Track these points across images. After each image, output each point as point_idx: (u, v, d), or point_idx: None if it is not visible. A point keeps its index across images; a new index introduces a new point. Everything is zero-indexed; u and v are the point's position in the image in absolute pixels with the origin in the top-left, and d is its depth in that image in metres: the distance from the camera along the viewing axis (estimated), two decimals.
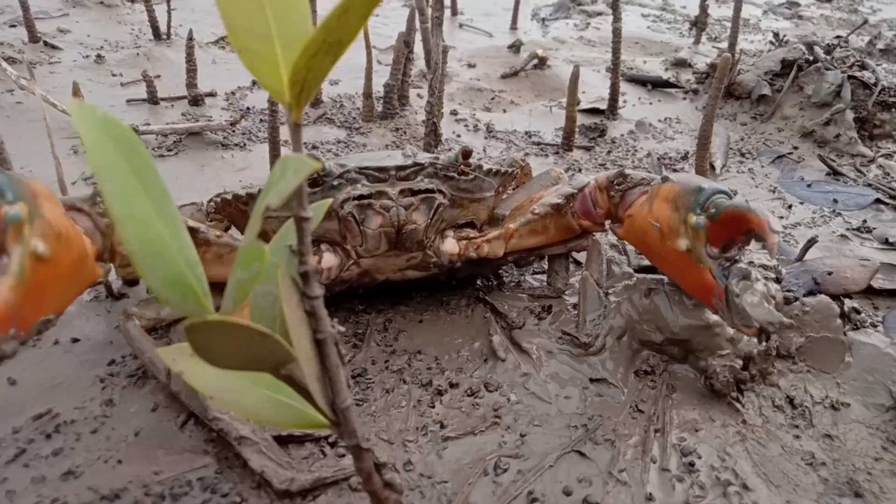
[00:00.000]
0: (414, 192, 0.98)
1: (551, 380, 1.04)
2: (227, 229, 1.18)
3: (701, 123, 1.35)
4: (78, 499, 0.80)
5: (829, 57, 2.27)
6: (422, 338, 1.12)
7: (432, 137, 1.59)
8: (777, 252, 0.88)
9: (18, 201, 0.72)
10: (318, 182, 0.96)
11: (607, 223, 1.16)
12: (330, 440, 0.91)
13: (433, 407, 0.98)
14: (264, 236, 1.07)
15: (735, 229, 0.91)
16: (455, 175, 1.00)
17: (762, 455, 0.93)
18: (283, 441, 0.89)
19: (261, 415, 0.69)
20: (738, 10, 2.24)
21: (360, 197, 0.97)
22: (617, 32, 1.99)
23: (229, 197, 1.03)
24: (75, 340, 1.05)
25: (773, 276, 1.13)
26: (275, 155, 1.39)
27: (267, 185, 0.58)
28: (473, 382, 1.03)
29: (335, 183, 0.96)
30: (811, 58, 2.27)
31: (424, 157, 1.01)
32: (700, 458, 0.92)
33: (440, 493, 0.85)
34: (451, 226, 1.09)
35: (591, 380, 1.04)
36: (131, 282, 1.13)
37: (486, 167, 1.04)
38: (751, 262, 1.13)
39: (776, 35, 2.62)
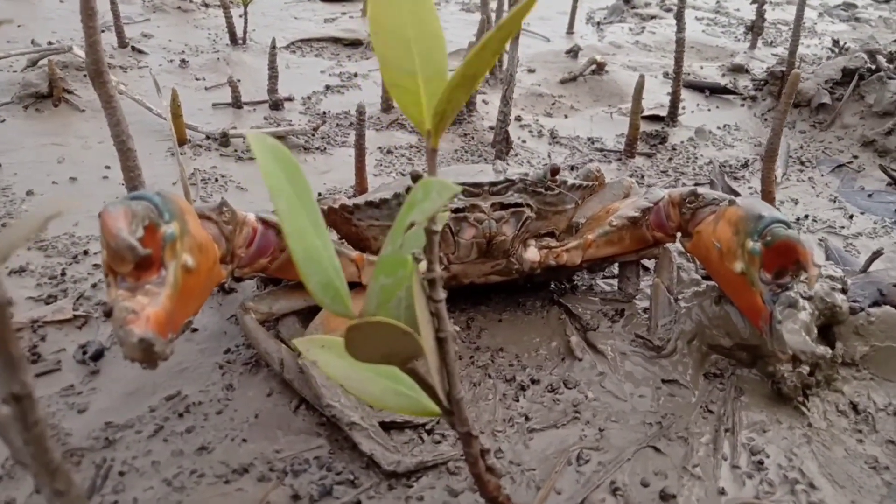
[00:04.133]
0: (504, 206, 1.07)
1: (626, 379, 1.12)
2: None
3: (768, 137, 1.40)
4: (213, 471, 0.91)
5: (891, 66, 2.28)
6: (502, 336, 1.21)
7: (503, 145, 1.68)
8: (815, 283, 0.95)
9: (173, 220, 0.82)
10: None
11: (678, 235, 1.23)
12: (427, 427, 1.00)
13: (517, 401, 1.07)
14: (365, 242, 1.18)
15: (787, 258, 0.97)
16: (542, 190, 1.08)
17: (827, 457, 0.99)
18: (386, 427, 0.99)
19: (383, 401, 0.79)
20: (799, 18, 2.26)
21: (456, 210, 1.06)
22: (680, 42, 2.04)
23: (336, 206, 1.13)
24: (194, 330, 1.17)
25: (839, 286, 1.18)
26: (360, 160, 1.49)
27: (409, 204, 0.67)
28: (553, 379, 1.11)
29: None
30: (873, 66, 2.28)
31: (514, 173, 1.10)
32: (768, 457, 0.98)
33: (528, 479, 0.94)
34: (534, 236, 1.17)
35: (664, 380, 1.12)
36: (239, 279, 1.25)
37: (570, 182, 1.12)
38: (819, 273, 1.19)
39: (836, 42, 2.63)
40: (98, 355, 1.09)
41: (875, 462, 0.99)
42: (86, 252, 1.37)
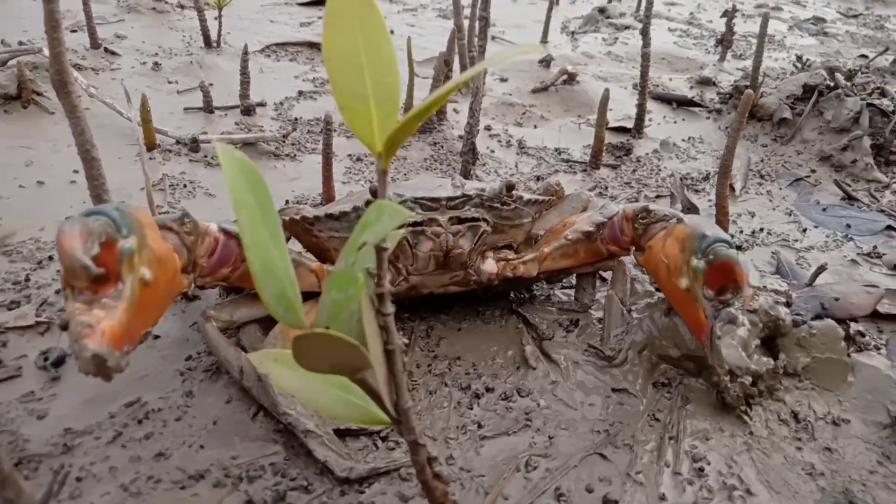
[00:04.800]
0: (461, 220, 1.11)
1: (577, 388, 1.16)
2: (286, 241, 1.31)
3: (723, 154, 1.45)
4: (169, 476, 0.93)
5: (849, 83, 2.36)
6: (461, 345, 1.24)
7: (470, 156, 1.71)
8: (749, 302, 1.00)
9: (131, 235, 0.84)
10: None
11: (632, 248, 1.28)
12: (381, 434, 1.03)
13: (471, 409, 1.10)
14: (326, 253, 1.20)
15: (727, 276, 1.02)
16: (498, 205, 1.12)
17: (766, 464, 1.04)
18: (341, 434, 1.02)
19: (334, 411, 0.82)
20: (762, 36, 2.33)
21: (415, 224, 1.09)
22: (645, 57, 2.09)
23: (297, 217, 1.15)
24: (156, 337, 1.19)
25: (783, 300, 1.24)
26: (328, 169, 1.52)
27: (362, 225, 0.70)
28: (507, 388, 1.15)
29: None
30: (832, 83, 2.35)
31: (471, 188, 1.13)
32: (709, 464, 1.03)
33: (478, 485, 0.97)
34: (491, 248, 1.21)
35: (614, 389, 1.16)
36: (202, 287, 1.27)
37: (525, 198, 1.16)
38: (764, 287, 1.24)
39: (799, 58, 2.70)
40: (59, 362, 1.10)
41: (812, 469, 1.03)
42: (51, 258, 1.38)
